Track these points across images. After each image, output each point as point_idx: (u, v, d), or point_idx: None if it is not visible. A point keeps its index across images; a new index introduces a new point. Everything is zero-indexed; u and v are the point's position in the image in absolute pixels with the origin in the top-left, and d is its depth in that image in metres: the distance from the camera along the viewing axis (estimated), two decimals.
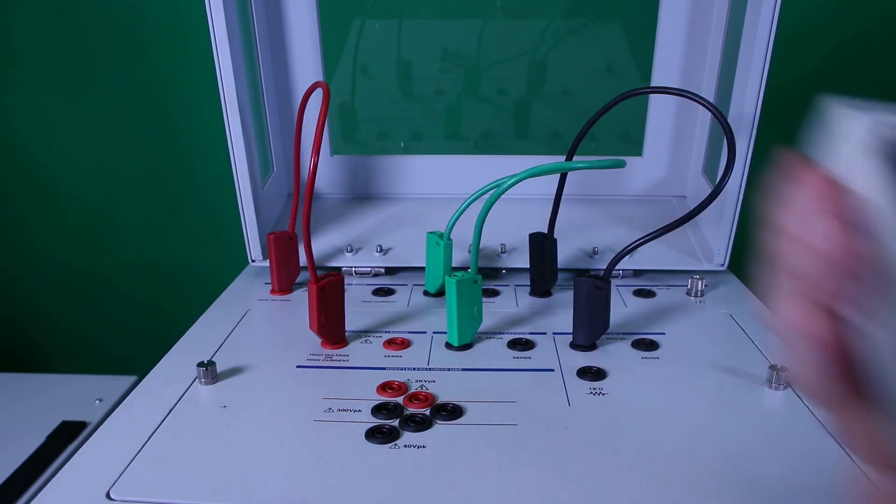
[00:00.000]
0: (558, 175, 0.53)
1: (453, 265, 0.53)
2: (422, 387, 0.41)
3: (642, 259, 0.57)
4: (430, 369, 0.43)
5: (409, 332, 0.48)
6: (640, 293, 0.55)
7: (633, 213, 0.64)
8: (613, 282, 0.56)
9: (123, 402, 0.40)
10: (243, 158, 0.54)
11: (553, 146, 0.72)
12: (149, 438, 0.36)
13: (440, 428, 0.37)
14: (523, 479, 0.32)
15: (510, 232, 0.58)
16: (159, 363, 0.44)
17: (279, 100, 0.65)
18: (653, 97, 0.63)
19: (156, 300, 0.94)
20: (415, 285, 0.57)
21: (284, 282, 0.55)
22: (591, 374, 0.42)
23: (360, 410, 0.38)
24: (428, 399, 0.39)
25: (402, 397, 0.39)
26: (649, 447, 0.35)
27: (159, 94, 0.81)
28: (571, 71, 0.69)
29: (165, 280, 0.93)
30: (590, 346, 0.45)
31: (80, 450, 0.35)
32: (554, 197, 0.53)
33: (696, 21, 0.59)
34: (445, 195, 0.67)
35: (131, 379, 0.74)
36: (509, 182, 0.42)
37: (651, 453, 0.34)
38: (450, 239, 0.51)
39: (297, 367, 0.44)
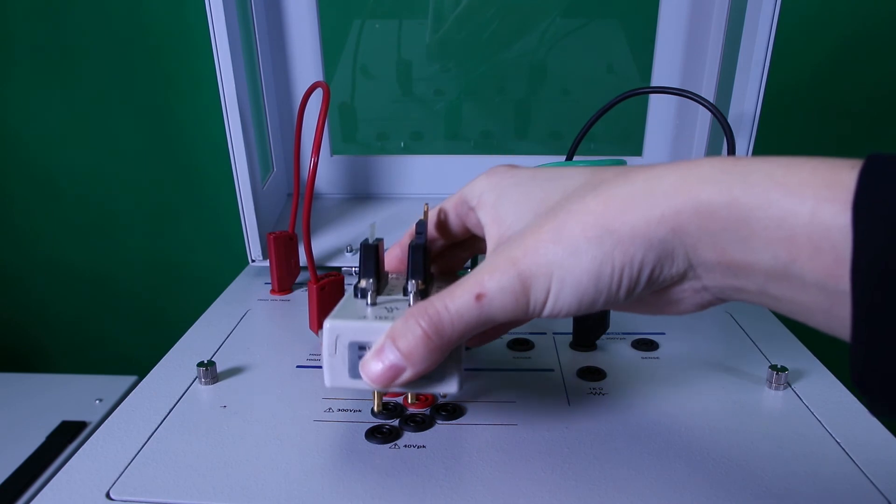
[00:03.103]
0: None
1: None
2: None
3: None
4: None
5: None
6: None
7: None
8: None
9: (123, 402, 0.40)
10: (243, 158, 0.54)
11: (553, 146, 0.72)
12: (149, 438, 0.36)
13: (440, 428, 0.37)
14: (523, 479, 0.32)
15: None
16: (159, 363, 0.44)
17: (279, 100, 0.65)
18: (653, 97, 0.63)
19: (156, 300, 0.95)
20: None
21: (284, 282, 0.55)
22: (591, 374, 0.42)
23: (360, 410, 0.38)
24: (428, 399, 0.39)
25: (402, 397, 0.39)
26: (649, 447, 0.35)
27: (160, 95, 0.81)
28: (571, 71, 0.69)
29: (165, 280, 0.93)
30: (590, 346, 0.45)
31: (80, 450, 0.35)
32: None
33: (696, 21, 0.59)
34: (445, 195, 0.67)
35: (131, 379, 0.74)
36: None
37: (650, 453, 0.34)
38: None
39: (297, 366, 0.44)
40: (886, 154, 0.21)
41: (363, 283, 0.33)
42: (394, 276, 0.39)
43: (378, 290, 0.34)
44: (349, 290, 0.35)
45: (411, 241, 0.34)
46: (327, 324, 0.31)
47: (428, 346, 0.28)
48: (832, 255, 0.21)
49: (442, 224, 0.36)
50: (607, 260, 0.26)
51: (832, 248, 0.21)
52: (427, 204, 0.36)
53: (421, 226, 0.35)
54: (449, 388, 0.31)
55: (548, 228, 0.27)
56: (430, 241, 0.36)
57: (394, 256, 0.39)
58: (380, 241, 0.36)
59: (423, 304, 0.29)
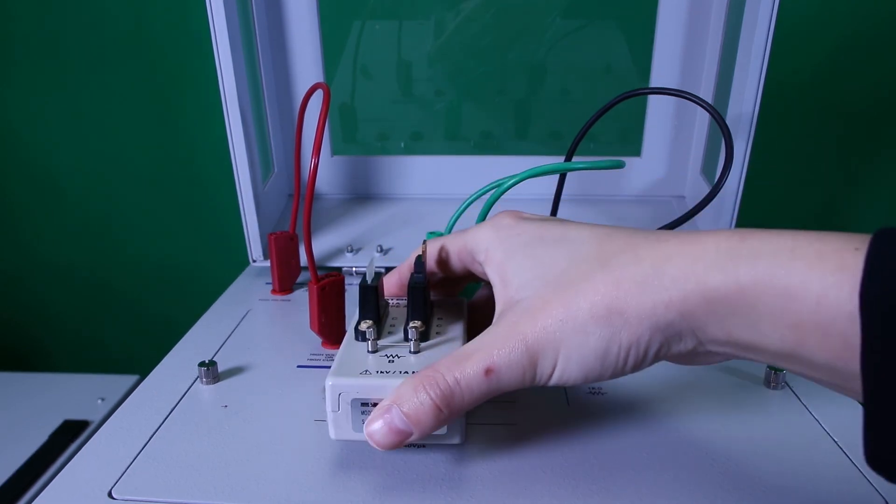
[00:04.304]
0: (558, 175, 0.53)
1: None
2: None
3: None
4: None
5: None
6: None
7: (632, 213, 0.64)
8: None
9: (125, 401, 0.40)
10: (244, 159, 0.54)
11: (552, 146, 0.72)
12: (150, 438, 0.36)
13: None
14: (523, 478, 0.33)
15: None
16: (161, 363, 0.45)
17: (280, 101, 0.65)
18: (651, 98, 0.63)
19: (157, 300, 0.95)
20: None
21: (285, 282, 0.56)
22: None
23: None
24: None
25: None
26: (647, 447, 0.35)
27: (160, 95, 0.82)
28: (571, 71, 0.69)
29: (167, 280, 0.93)
30: None
31: (82, 449, 0.35)
32: (553, 197, 0.54)
33: (694, 21, 0.60)
34: (445, 195, 0.67)
35: (133, 378, 0.74)
36: (509, 182, 0.42)
37: (649, 453, 0.35)
38: None
39: (298, 366, 0.44)
40: (893, 230, 0.21)
41: (363, 326, 0.34)
42: (393, 302, 0.39)
43: (379, 330, 0.35)
44: (350, 332, 0.36)
45: (410, 281, 0.35)
46: (329, 381, 0.31)
47: (438, 417, 0.29)
48: (840, 340, 0.21)
49: (442, 261, 0.37)
50: (614, 339, 0.27)
51: (840, 334, 0.21)
52: (425, 242, 0.37)
53: (419, 265, 0.35)
54: (452, 440, 0.32)
55: (556, 304, 0.28)
56: (429, 275, 0.37)
57: (392, 283, 0.39)
58: (379, 277, 0.36)
59: (432, 373, 0.29)
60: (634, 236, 0.29)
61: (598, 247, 0.29)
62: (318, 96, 0.44)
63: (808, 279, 0.22)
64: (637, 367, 0.28)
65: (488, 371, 0.29)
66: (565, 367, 0.28)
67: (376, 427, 0.30)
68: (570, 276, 0.28)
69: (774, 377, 0.40)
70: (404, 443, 0.30)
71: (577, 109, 0.69)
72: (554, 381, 0.29)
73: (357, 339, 0.35)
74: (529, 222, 0.33)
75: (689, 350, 0.27)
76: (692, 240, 0.26)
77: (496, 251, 0.32)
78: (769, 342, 0.24)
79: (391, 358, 0.33)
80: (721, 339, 0.25)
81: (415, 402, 0.29)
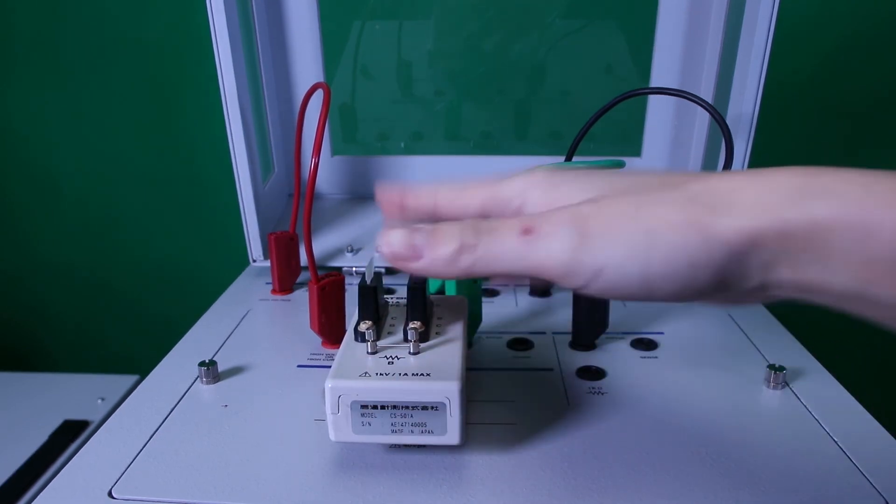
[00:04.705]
0: None
1: None
2: None
3: None
4: None
5: None
6: None
7: None
8: None
9: (125, 401, 0.40)
10: (244, 159, 0.54)
11: (553, 146, 0.72)
12: (150, 437, 0.36)
13: None
14: (522, 478, 0.33)
15: None
16: (161, 363, 0.45)
17: (280, 101, 0.65)
18: (651, 98, 0.63)
19: (157, 300, 0.95)
20: None
21: (285, 281, 0.56)
22: (591, 373, 0.42)
23: None
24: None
25: None
26: (647, 447, 0.35)
27: (160, 95, 0.82)
28: (571, 71, 0.69)
29: (167, 280, 0.93)
30: (589, 346, 0.46)
31: (82, 449, 0.35)
32: None
33: (694, 21, 0.60)
34: None
35: (133, 378, 0.74)
36: None
37: (649, 453, 0.35)
38: None
39: (298, 366, 0.44)
40: None
41: (362, 327, 0.33)
42: (393, 301, 0.39)
43: (378, 330, 0.34)
44: (349, 332, 0.36)
45: (410, 282, 0.34)
46: (329, 383, 0.31)
47: (458, 253, 0.26)
48: None
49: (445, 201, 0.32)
50: (686, 253, 0.24)
51: None
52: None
53: None
54: (451, 440, 0.32)
55: (627, 202, 0.25)
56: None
57: (390, 201, 0.33)
58: (378, 277, 0.36)
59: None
60: (698, 173, 0.26)
61: (662, 176, 0.26)
62: (318, 96, 0.44)
63: (883, 215, 0.22)
64: (698, 293, 0.25)
65: (527, 230, 0.25)
66: (624, 261, 0.24)
67: (395, 235, 0.28)
68: (635, 189, 0.26)
69: (774, 377, 0.40)
70: (409, 265, 0.27)
71: (577, 109, 0.69)
72: (607, 277, 0.25)
73: (356, 339, 0.35)
74: (570, 168, 0.29)
75: (752, 287, 0.25)
76: (761, 174, 0.24)
77: (536, 189, 0.28)
78: (838, 281, 0.23)
79: (391, 359, 0.33)
80: (787, 280, 0.24)
81: (443, 228, 0.27)
